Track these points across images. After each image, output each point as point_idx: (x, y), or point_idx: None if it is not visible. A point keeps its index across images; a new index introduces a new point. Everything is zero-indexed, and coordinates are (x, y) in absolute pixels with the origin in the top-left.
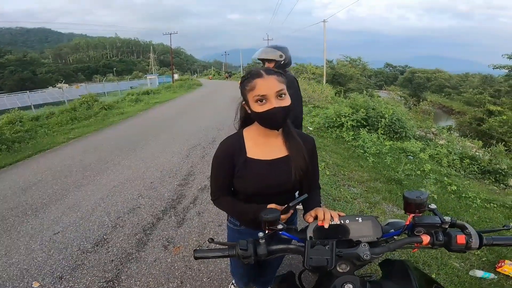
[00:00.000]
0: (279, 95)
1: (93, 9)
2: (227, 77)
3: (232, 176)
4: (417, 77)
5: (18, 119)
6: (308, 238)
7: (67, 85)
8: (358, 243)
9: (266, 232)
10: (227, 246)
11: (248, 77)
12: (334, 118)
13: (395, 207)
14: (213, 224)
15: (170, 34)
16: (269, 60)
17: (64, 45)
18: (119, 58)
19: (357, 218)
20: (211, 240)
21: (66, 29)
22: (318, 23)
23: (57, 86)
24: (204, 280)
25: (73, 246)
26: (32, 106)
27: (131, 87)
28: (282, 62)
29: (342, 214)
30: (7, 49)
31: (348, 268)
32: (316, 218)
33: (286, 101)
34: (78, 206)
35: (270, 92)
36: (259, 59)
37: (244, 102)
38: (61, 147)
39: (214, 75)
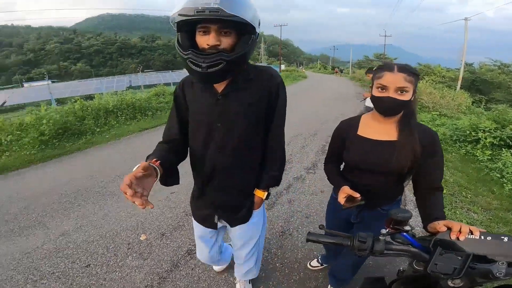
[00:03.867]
0: (400, 90)
1: None
2: (337, 72)
3: (342, 150)
4: None
5: (162, 92)
6: (432, 245)
7: None
8: (492, 260)
9: (388, 230)
10: (342, 235)
11: (381, 67)
12: (468, 132)
13: None
14: (301, 214)
15: (281, 26)
16: None
17: None
18: None
19: (502, 237)
20: (322, 227)
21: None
22: (457, 21)
23: None
24: (277, 265)
25: (180, 208)
26: (172, 83)
27: None
28: None
29: (482, 230)
30: (156, 35)
31: (461, 284)
32: (448, 229)
33: (404, 97)
34: None
35: (391, 85)
36: None
37: (370, 86)
38: None
39: (320, 68)
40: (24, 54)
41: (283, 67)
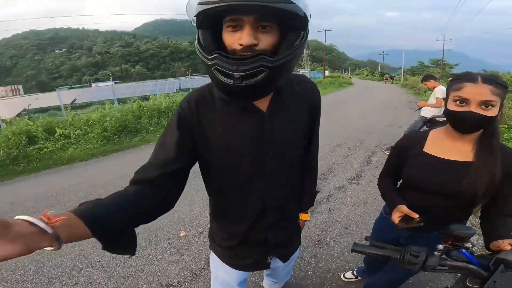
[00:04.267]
0: (485, 104)
1: None
2: (387, 79)
3: (403, 166)
4: None
5: None
6: (493, 263)
7: None
8: None
9: (444, 245)
10: (390, 248)
11: (460, 78)
12: None
13: None
14: (340, 224)
15: (325, 31)
16: None
17: None
18: None
19: None
20: (369, 238)
21: None
22: None
23: None
24: (309, 273)
25: None
26: None
27: None
28: None
29: None
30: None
31: None
32: None
33: (489, 112)
34: None
35: (474, 98)
36: None
37: (443, 98)
38: None
39: (367, 75)
40: (93, 57)
41: (327, 73)
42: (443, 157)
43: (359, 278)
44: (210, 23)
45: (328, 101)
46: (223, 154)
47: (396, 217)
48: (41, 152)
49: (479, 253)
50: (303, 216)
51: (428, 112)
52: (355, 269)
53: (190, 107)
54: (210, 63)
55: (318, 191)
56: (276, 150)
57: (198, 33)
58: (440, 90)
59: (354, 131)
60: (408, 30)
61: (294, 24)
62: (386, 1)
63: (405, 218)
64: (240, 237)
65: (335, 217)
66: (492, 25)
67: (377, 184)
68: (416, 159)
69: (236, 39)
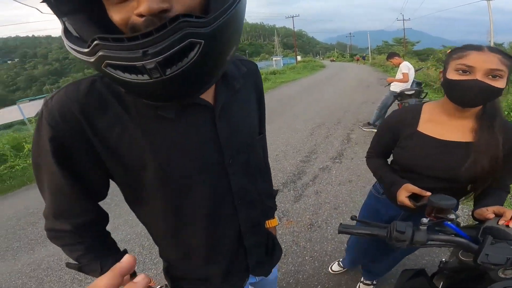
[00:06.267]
0: (492, 74)
1: None
2: (358, 59)
3: (394, 145)
4: None
5: None
6: (481, 234)
7: None
8: None
9: (429, 219)
10: (377, 226)
11: (463, 48)
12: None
13: None
14: (329, 205)
15: (293, 17)
16: None
17: None
18: (249, 41)
19: None
20: (354, 217)
21: None
22: (476, 2)
23: None
24: (306, 258)
25: None
26: None
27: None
28: None
29: None
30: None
31: None
32: (498, 216)
33: (497, 84)
34: None
35: (480, 66)
36: None
37: (441, 71)
38: None
39: (337, 57)
40: (50, 64)
41: (299, 58)
42: (440, 138)
43: (346, 268)
44: (77, 4)
45: (304, 84)
46: (163, 182)
47: (404, 197)
48: (13, 170)
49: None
50: (272, 223)
51: (397, 87)
52: (341, 260)
53: (71, 119)
54: (92, 59)
55: (277, 191)
56: (236, 156)
57: (64, 24)
58: (405, 66)
59: (331, 111)
60: (371, 12)
61: None
62: None
63: (412, 197)
64: (219, 278)
65: (323, 199)
66: (445, 4)
67: (367, 164)
68: (410, 140)
69: (130, 10)
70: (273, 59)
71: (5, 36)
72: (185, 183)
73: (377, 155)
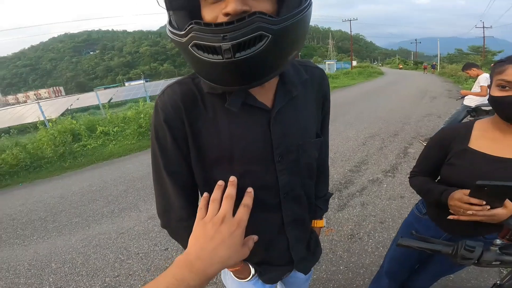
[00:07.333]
0: None
1: None
2: (425, 68)
3: (441, 162)
4: None
5: None
6: None
7: None
8: None
9: (502, 240)
10: (439, 242)
11: (503, 61)
12: None
13: None
14: (374, 219)
15: (350, 20)
16: None
17: None
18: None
19: None
20: (414, 232)
21: None
22: None
23: None
24: (341, 268)
25: None
26: None
27: None
28: None
29: None
30: None
31: None
32: None
33: None
34: None
35: None
36: None
37: (487, 86)
38: None
39: (398, 64)
40: (124, 57)
41: (354, 63)
42: (492, 154)
43: None
44: (183, 1)
45: (359, 91)
46: (223, 167)
47: (462, 194)
48: (85, 149)
49: None
50: (318, 223)
51: (472, 101)
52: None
53: (177, 108)
54: (184, 40)
55: (331, 194)
56: (286, 155)
57: (170, 16)
58: (484, 78)
59: (387, 121)
60: (442, 17)
61: None
62: None
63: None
64: (259, 258)
65: (369, 211)
66: None
67: (410, 183)
68: (460, 157)
69: (219, 11)
70: (326, 62)
71: (89, 29)
72: (241, 169)
73: (423, 174)
